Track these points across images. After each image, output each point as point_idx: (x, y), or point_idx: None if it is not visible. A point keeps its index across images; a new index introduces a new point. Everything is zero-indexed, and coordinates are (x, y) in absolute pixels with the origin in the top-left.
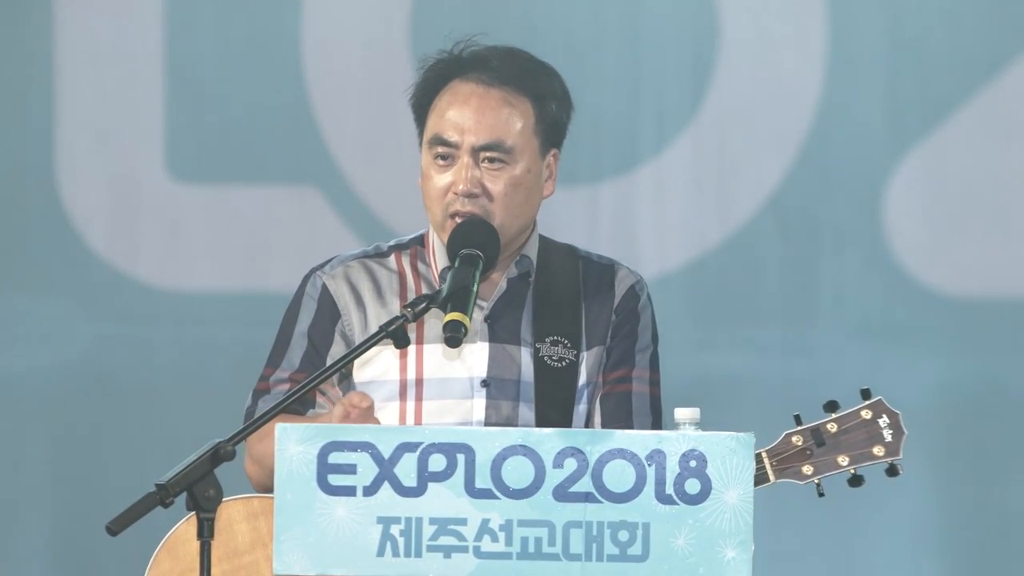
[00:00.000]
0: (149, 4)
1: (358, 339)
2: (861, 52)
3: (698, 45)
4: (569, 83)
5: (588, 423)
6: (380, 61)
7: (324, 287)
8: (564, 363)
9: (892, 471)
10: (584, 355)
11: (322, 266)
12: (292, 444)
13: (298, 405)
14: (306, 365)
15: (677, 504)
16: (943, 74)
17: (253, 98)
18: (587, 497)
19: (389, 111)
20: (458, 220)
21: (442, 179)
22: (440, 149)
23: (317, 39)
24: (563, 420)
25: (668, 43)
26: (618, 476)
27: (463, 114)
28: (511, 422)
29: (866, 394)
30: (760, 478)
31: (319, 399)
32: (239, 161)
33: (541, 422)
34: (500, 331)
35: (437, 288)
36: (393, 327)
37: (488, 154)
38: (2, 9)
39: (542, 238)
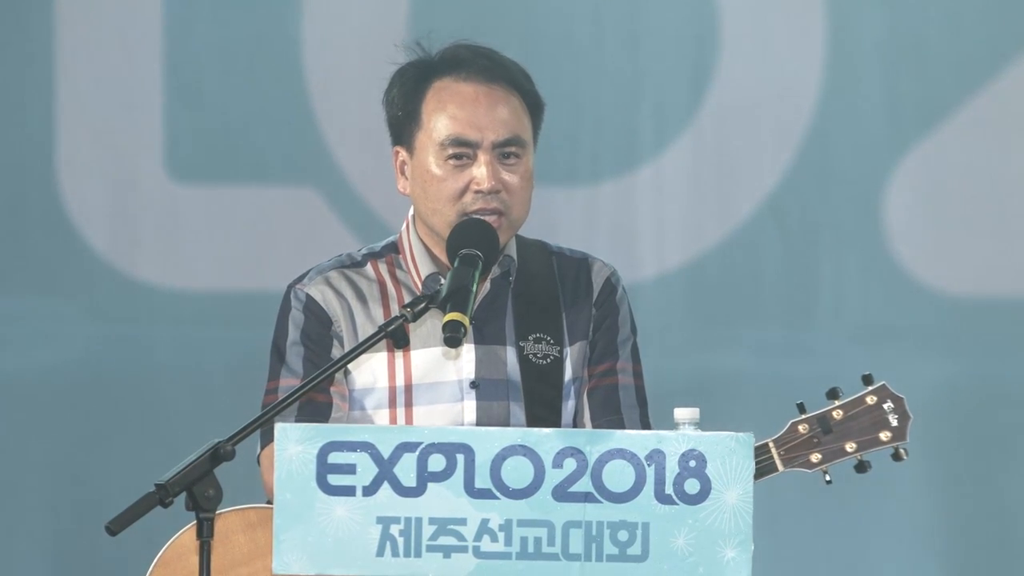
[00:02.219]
0: (149, 4)
1: (348, 345)
2: (861, 52)
3: (698, 45)
4: (569, 83)
5: (577, 418)
6: (380, 62)
7: (309, 297)
8: (549, 360)
9: (896, 456)
10: (568, 351)
11: (300, 279)
12: (292, 444)
13: (317, 418)
14: (310, 369)
15: (677, 504)
16: (943, 74)
17: (253, 98)
18: (586, 497)
19: None
20: (479, 218)
21: (458, 179)
22: (456, 150)
23: (317, 39)
24: (552, 416)
25: (668, 43)
26: (618, 476)
27: (476, 113)
28: (503, 422)
29: (868, 380)
30: (768, 468)
31: (336, 402)
32: (239, 161)
33: (531, 420)
34: (486, 332)
35: (418, 294)
36: (392, 327)
37: (507, 149)
38: (2, 9)
39: (516, 236)
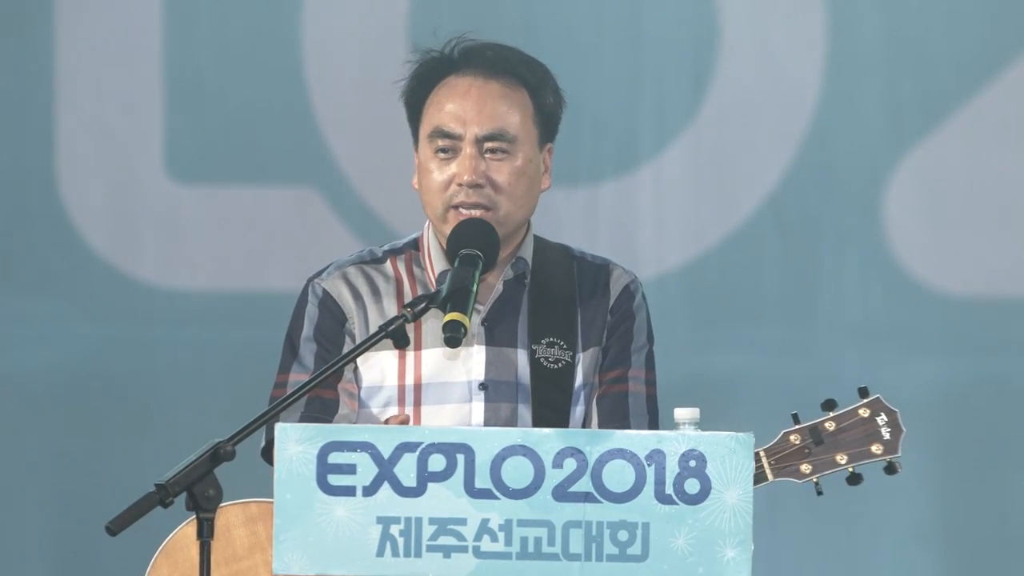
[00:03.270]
0: (149, 4)
1: (358, 343)
2: (861, 52)
3: (698, 45)
4: (569, 83)
5: (585, 424)
6: (380, 61)
7: (325, 292)
8: (560, 364)
9: (890, 469)
10: (580, 356)
11: (319, 274)
12: (292, 444)
13: (322, 414)
14: (320, 366)
15: (677, 504)
16: (943, 74)
17: (253, 98)
18: (587, 497)
19: (389, 111)
20: (462, 211)
21: (444, 172)
22: (442, 142)
23: (317, 39)
24: (560, 421)
25: (668, 43)
26: (618, 476)
27: (464, 106)
28: (510, 424)
29: (864, 392)
30: (758, 477)
31: (343, 399)
32: (239, 161)
33: (539, 423)
34: (497, 334)
35: (433, 291)
36: (393, 327)
37: (492, 144)
38: (2, 9)
39: (536, 238)
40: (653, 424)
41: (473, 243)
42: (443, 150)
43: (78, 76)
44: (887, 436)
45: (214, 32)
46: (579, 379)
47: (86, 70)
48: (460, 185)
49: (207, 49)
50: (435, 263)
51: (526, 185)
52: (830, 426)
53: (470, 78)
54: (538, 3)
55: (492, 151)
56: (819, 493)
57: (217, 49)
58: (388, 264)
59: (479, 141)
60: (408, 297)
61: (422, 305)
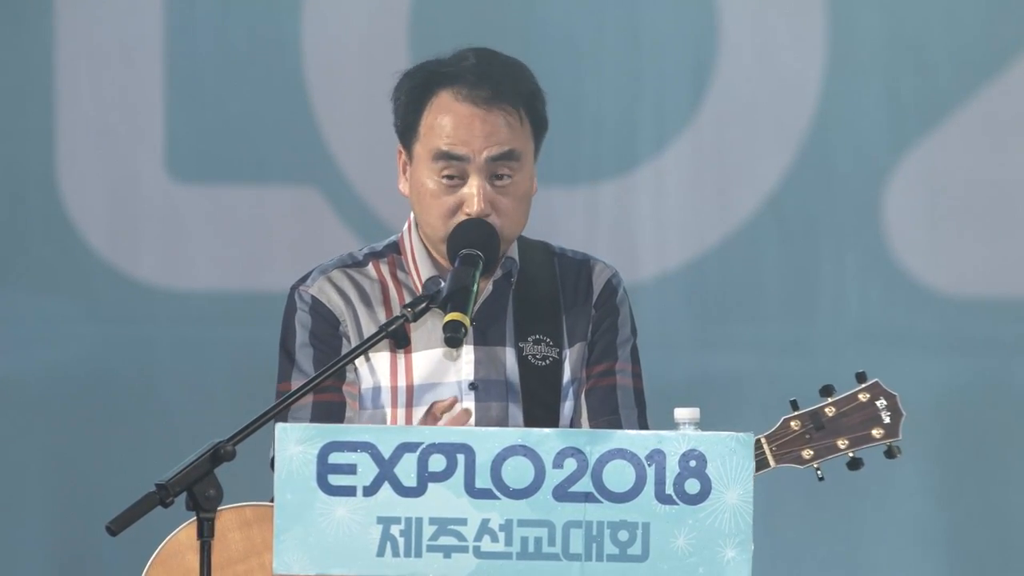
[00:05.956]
0: (149, 4)
1: (354, 344)
2: (861, 52)
3: (698, 45)
4: (569, 83)
5: (574, 419)
6: (380, 61)
7: (314, 298)
8: (548, 361)
9: (890, 453)
10: (567, 352)
11: (303, 280)
12: (292, 444)
13: (330, 421)
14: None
15: (677, 504)
16: (943, 74)
17: (253, 98)
18: (587, 497)
19: (389, 111)
20: None
21: (450, 198)
22: (448, 170)
23: (317, 39)
24: (550, 418)
25: (668, 43)
26: (618, 476)
27: (471, 132)
28: (501, 423)
29: (862, 377)
30: (760, 464)
31: (348, 402)
32: (239, 161)
33: (529, 421)
34: (486, 333)
35: (419, 295)
36: (393, 327)
37: (499, 170)
38: (2, 9)
39: (519, 237)
40: (642, 417)
41: (473, 243)
42: (449, 176)
43: (78, 76)
44: (887, 420)
45: (214, 32)
46: (567, 375)
47: (86, 70)
48: (469, 214)
49: (207, 49)
50: (421, 268)
51: (527, 203)
52: (830, 411)
53: (470, 104)
54: (538, 4)
55: (499, 176)
56: (820, 479)
57: (217, 49)
58: (371, 267)
59: (488, 166)
60: (394, 302)
61: (423, 305)
